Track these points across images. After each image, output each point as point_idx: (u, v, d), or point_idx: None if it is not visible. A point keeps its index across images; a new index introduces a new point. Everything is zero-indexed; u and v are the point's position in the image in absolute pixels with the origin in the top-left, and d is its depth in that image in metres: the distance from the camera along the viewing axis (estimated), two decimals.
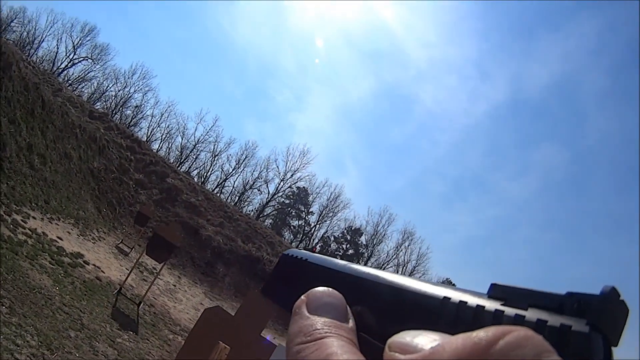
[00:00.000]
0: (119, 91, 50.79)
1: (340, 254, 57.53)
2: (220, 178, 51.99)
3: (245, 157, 52.71)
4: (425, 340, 0.27)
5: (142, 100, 52.00)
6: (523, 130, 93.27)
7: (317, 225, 55.96)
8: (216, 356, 3.89)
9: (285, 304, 0.45)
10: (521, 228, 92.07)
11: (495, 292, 0.31)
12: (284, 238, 46.87)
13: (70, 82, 47.53)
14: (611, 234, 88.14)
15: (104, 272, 13.10)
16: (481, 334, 0.24)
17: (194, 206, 31.26)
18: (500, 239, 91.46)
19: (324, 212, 55.66)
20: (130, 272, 13.04)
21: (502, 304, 0.30)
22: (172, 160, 45.02)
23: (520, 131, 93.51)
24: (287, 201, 56.22)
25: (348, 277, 0.42)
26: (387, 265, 56.33)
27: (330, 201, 55.54)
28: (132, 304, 11.97)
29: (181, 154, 51.26)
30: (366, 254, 57.19)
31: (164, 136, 52.26)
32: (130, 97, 51.42)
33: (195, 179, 43.42)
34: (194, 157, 51.96)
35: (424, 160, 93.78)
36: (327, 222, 56.21)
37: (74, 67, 50.78)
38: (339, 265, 0.45)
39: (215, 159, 52.29)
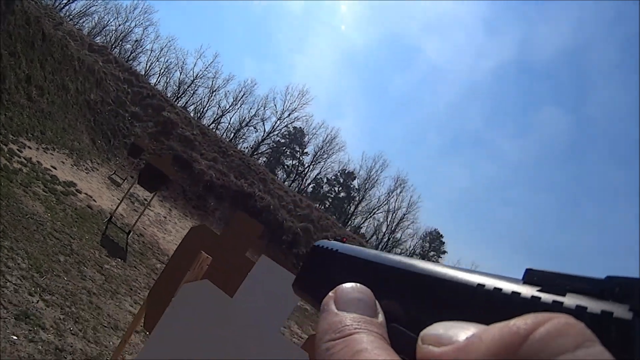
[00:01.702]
0: (119, 26, 50.31)
1: (332, 196, 58.53)
2: (217, 114, 52.33)
3: (243, 95, 52.83)
4: (460, 331, 0.26)
5: (142, 34, 51.57)
6: (526, 92, 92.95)
7: (311, 166, 56.49)
8: (198, 265, 3.88)
9: (318, 297, 0.44)
10: (514, 188, 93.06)
11: (531, 277, 0.30)
12: (277, 177, 47.42)
13: (71, 16, 46.99)
14: (605, 203, 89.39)
15: (95, 201, 13.40)
16: (519, 322, 0.23)
17: (189, 140, 31.59)
18: (492, 196, 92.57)
19: (318, 154, 56.12)
20: (121, 202, 13.29)
21: (538, 290, 0.28)
22: (169, 95, 45.02)
23: (523, 92, 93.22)
24: (283, 140, 56.50)
25: (379, 267, 0.42)
26: (378, 210, 57.29)
27: (326, 143, 55.97)
28: (121, 233, 12.21)
29: (179, 89, 51.29)
30: (357, 197, 57.82)
31: (162, 70, 52.11)
32: (130, 31, 50.95)
33: (192, 114, 43.61)
34: (192, 92, 52.06)
35: (423, 111, 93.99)
36: (321, 163, 56.75)
37: (75, 1, 50.10)
38: (370, 255, 0.44)
39: (213, 94, 52.42)
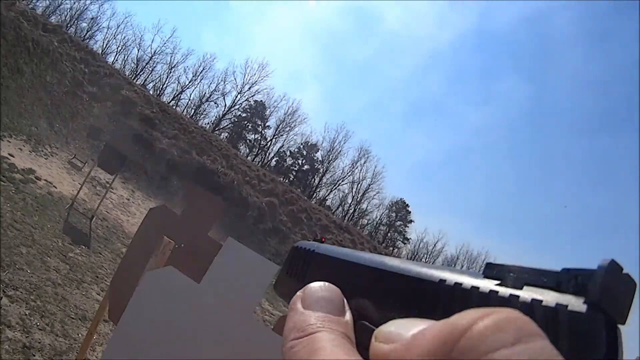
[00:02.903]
0: (74, 3, 48.68)
1: (296, 169, 58.48)
2: (177, 90, 51.28)
3: (203, 70, 51.82)
4: (411, 327, 0.27)
5: (98, 12, 49.84)
6: (488, 61, 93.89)
7: (274, 140, 56.18)
8: (160, 251, 3.84)
9: None
10: (475, 155, 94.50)
11: (491, 271, 0.31)
12: (240, 152, 47.26)
13: None
14: (562, 173, 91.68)
15: (56, 188, 13.18)
16: (459, 318, 0.24)
17: (149, 118, 31.19)
18: (455, 165, 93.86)
19: (280, 127, 55.79)
20: (82, 186, 13.03)
21: (496, 284, 0.29)
22: (127, 73, 44.06)
23: (485, 61, 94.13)
24: (244, 114, 55.95)
25: (350, 266, 0.42)
26: (342, 182, 57.45)
27: (288, 115, 55.63)
28: (84, 219, 12.03)
29: (137, 67, 49.95)
30: (321, 169, 57.86)
31: (119, 48, 50.41)
32: (86, 9, 49.11)
33: (151, 92, 42.91)
34: (150, 69, 50.72)
35: (384, 80, 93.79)
36: (284, 136, 56.47)
37: None
38: (342, 253, 0.45)
39: (172, 71, 51.23)
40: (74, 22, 47.21)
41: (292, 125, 56.18)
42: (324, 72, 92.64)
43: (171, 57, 51.24)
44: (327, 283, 0.37)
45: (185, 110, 49.55)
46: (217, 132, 49.20)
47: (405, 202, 62.93)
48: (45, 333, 5.68)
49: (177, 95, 50.95)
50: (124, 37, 50.74)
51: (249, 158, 47.07)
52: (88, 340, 4.20)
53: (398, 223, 62.87)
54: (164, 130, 31.82)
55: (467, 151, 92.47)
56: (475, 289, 0.30)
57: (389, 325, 0.29)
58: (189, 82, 51.48)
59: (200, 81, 52.03)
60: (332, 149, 57.55)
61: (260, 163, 49.21)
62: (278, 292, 0.56)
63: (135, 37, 51.65)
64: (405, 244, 63.06)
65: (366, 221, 59.61)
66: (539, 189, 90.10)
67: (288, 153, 58.41)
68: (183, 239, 4.33)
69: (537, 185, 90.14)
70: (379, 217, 61.10)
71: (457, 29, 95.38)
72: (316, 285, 0.36)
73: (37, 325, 5.71)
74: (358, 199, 58.56)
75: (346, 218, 54.48)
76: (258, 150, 55.32)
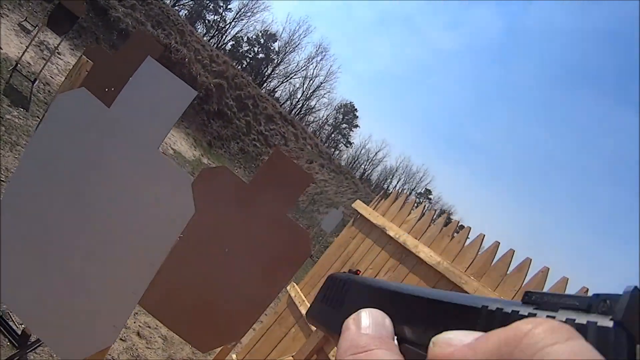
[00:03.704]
0: None
1: (251, 56, 58.15)
2: None
3: None
4: (469, 335, 0.30)
5: None
6: None
7: (233, 23, 55.16)
8: (75, 72, 3.89)
9: (330, 325, 0.49)
10: (436, 77, 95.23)
11: (529, 298, 0.33)
12: (197, 30, 46.67)
13: None
14: (519, 108, 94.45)
15: (1, 49, 12.86)
16: (520, 324, 0.27)
17: None
18: (414, 82, 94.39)
19: (242, 11, 54.67)
20: (27, 48, 12.56)
21: (534, 308, 0.31)
22: None
23: None
24: None
25: (391, 295, 0.44)
26: (295, 75, 57.67)
27: (251, 0, 54.37)
28: (26, 82, 11.79)
29: None
30: (276, 60, 57.75)
31: None
32: None
33: None
34: None
35: None
36: (244, 21, 55.43)
37: None
38: (384, 284, 0.47)
39: None
40: None
41: (254, 12, 55.08)
42: None
43: None
44: (376, 310, 0.40)
45: None
46: (177, 7, 48.08)
47: (354, 106, 64.19)
48: None
49: None
50: None
51: (205, 38, 46.53)
52: None
53: (344, 126, 64.28)
54: None
55: (428, 71, 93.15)
56: (515, 312, 0.32)
57: (445, 334, 0.32)
58: None
59: None
60: (291, 41, 57.31)
61: (215, 45, 48.79)
62: (311, 319, 0.58)
63: None
64: (347, 147, 64.79)
65: (312, 118, 60.66)
66: (493, 121, 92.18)
67: (245, 39, 57.74)
68: (112, 75, 4.20)
69: (493, 118, 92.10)
70: (325, 117, 62.24)
71: None
72: (368, 310, 0.40)
73: None
74: (308, 95, 59.18)
75: (293, 112, 54.98)
76: (215, 32, 54.66)
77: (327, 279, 0.58)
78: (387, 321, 0.39)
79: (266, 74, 57.30)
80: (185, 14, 50.81)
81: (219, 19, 55.56)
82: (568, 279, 3.34)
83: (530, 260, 3.58)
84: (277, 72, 57.89)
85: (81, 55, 4.39)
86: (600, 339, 0.27)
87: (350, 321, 0.39)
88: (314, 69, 58.45)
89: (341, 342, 0.37)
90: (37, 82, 12.33)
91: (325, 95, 60.23)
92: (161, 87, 2.14)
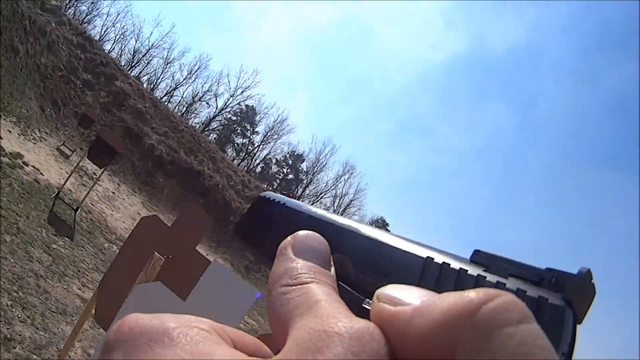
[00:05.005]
0: None
1: (280, 177, 58.47)
2: (170, 86, 50.47)
3: (198, 68, 51.17)
4: (415, 294, 0.28)
5: None
6: (477, 86, 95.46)
7: (261, 146, 56.03)
8: (150, 267, 3.89)
9: (258, 244, 0.47)
10: (458, 180, 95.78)
11: (478, 258, 0.32)
12: (227, 154, 46.91)
13: None
14: (538, 204, 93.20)
15: (42, 175, 12.79)
16: (472, 294, 0.25)
17: (140, 112, 30.54)
18: (437, 186, 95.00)
19: (269, 134, 55.59)
20: (69, 176, 12.76)
21: (484, 270, 0.31)
22: (123, 63, 43.39)
23: (474, 86, 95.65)
24: (234, 118, 55.71)
25: (328, 226, 0.42)
26: (325, 195, 57.72)
27: (277, 123, 55.42)
28: (69, 209, 11.79)
29: (133, 58, 49.07)
30: (306, 180, 57.94)
31: (117, 37, 49.54)
32: None
33: (145, 85, 42.35)
34: (146, 62, 49.81)
35: (374, 96, 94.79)
36: (271, 144, 56.31)
37: None
38: (318, 213, 0.45)
39: (168, 66, 50.46)
40: (73, 3, 46.39)
41: (280, 134, 56.15)
42: (315, 82, 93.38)
43: (168, 52, 50.69)
44: (316, 233, 0.36)
45: (177, 107, 49.05)
46: (206, 132, 48.85)
47: (385, 221, 63.40)
48: (26, 325, 5.61)
49: (171, 91, 50.35)
50: (123, 26, 50.06)
51: (235, 162, 46.83)
52: (72, 339, 4.23)
53: None
54: (155, 126, 31.32)
55: (449, 174, 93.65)
56: (463, 271, 0.32)
57: (392, 289, 0.29)
58: (184, 80, 50.95)
59: (194, 80, 51.66)
60: (318, 161, 57.72)
61: (246, 168, 48.91)
62: (239, 234, 0.55)
63: (134, 28, 51.41)
64: None
65: None
66: (515, 220, 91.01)
67: (274, 161, 58.59)
68: (172, 251, 4.39)
69: (515, 218, 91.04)
70: None
71: (450, 52, 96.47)
72: (306, 233, 0.36)
73: (19, 317, 5.63)
74: (339, 214, 57.84)
75: None
76: (245, 155, 55.13)
77: (257, 197, 0.55)
78: (326, 248, 0.35)
79: (297, 195, 56.74)
80: (215, 138, 51.31)
81: (247, 142, 56.47)
82: None
83: None
84: (307, 192, 57.84)
85: (140, 220, 4.67)
86: (551, 316, 0.28)
87: (286, 243, 0.35)
88: (343, 187, 58.50)
89: (274, 268, 0.34)
90: (79, 210, 12.45)
91: (356, 212, 59.70)
92: (227, 287, 2.48)
